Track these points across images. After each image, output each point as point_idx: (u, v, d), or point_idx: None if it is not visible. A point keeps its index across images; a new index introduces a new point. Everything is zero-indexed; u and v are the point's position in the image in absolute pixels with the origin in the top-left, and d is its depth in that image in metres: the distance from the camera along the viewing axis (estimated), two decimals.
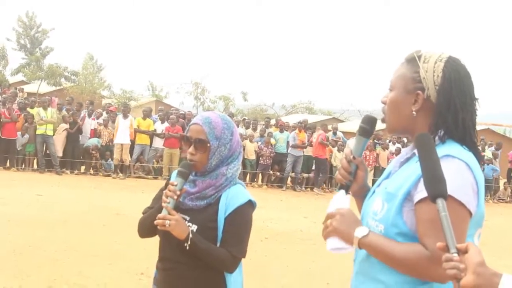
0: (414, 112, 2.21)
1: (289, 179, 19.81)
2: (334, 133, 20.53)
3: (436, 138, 2.17)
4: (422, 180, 2.02)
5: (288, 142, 19.35)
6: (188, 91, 47.54)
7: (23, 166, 17.92)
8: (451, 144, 2.16)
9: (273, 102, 51.69)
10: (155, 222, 2.76)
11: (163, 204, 2.77)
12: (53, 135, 17.47)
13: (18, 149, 17.52)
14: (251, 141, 19.07)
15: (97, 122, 18.75)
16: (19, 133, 17.35)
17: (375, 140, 20.69)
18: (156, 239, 3.01)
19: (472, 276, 1.68)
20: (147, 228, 2.98)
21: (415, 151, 2.20)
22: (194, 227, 2.82)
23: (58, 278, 6.77)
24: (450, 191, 1.97)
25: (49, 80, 43.36)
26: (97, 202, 12.71)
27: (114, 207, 12.02)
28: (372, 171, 19.71)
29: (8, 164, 17.48)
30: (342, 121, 43.11)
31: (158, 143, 18.71)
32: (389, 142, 21.21)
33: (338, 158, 19.24)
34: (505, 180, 22.97)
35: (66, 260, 7.62)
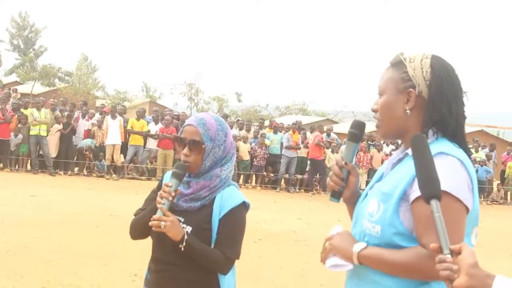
0: (408, 111, 2.23)
1: (283, 180, 19.83)
2: (328, 135, 20.55)
3: (430, 133, 2.19)
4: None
5: (282, 143, 19.37)
6: (182, 92, 47.53)
7: (17, 166, 17.91)
8: (443, 142, 2.18)
9: (267, 103, 51.67)
10: (150, 223, 2.75)
11: (158, 205, 2.76)
12: (47, 135, 17.45)
13: (12, 149, 17.50)
14: (245, 142, 19.07)
15: (91, 123, 18.73)
16: (12, 133, 17.32)
17: (369, 142, 20.73)
18: (149, 240, 3.01)
19: (465, 278, 1.69)
20: (139, 229, 2.97)
21: (408, 151, 2.22)
22: (189, 229, 2.81)
23: (51, 279, 6.76)
24: (446, 187, 2.00)
25: (43, 80, 43.26)
26: (91, 203, 12.70)
27: (108, 208, 12.01)
28: (366, 173, 19.74)
29: (1, 165, 17.45)
30: (336, 122, 43.07)
31: (152, 144, 18.70)
32: (383, 143, 21.23)
33: (332, 160, 19.28)
34: (499, 181, 23.04)
35: (60, 261, 7.61)
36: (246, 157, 19.02)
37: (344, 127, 25.75)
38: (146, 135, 18.66)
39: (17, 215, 10.33)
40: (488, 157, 22.28)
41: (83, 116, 18.88)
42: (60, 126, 17.76)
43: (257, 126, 21.53)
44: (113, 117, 18.25)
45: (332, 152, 19.53)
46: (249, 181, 19.62)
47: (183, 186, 2.87)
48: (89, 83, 46.21)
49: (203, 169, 2.88)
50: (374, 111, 2.34)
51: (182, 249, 2.75)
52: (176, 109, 31.28)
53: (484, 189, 21.14)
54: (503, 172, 22.82)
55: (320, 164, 19.40)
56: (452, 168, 2.10)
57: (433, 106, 2.19)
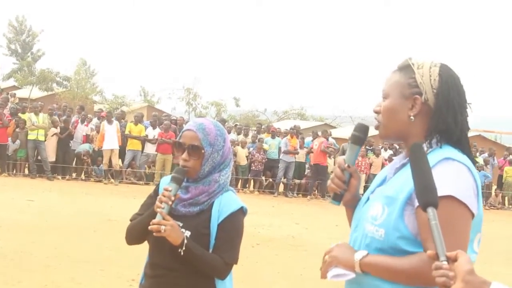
0: (412, 117, 2.22)
1: (281, 185, 19.83)
2: (326, 139, 20.54)
3: (433, 141, 2.20)
4: None
5: (280, 148, 19.37)
6: (180, 96, 47.54)
7: (14, 171, 17.88)
8: (448, 148, 2.19)
9: (265, 108, 51.74)
10: (150, 227, 2.74)
11: (158, 210, 2.75)
12: (45, 140, 17.44)
13: (9, 154, 17.48)
14: (243, 147, 19.06)
15: (90, 128, 18.71)
16: (10, 138, 17.30)
17: (366, 147, 20.72)
18: (147, 245, 3.00)
19: (461, 284, 1.69)
20: (137, 234, 2.96)
21: None
22: (188, 233, 2.81)
23: (49, 284, 6.75)
24: (453, 192, 2.01)
25: (41, 85, 43.28)
26: (88, 207, 12.68)
27: (106, 212, 12.00)
28: (365, 178, 19.71)
29: None
30: (334, 127, 43.12)
31: (150, 148, 18.69)
32: (381, 148, 21.22)
33: (330, 165, 19.30)
34: (496, 186, 23.05)
35: (58, 266, 7.60)
36: (244, 162, 19.02)
37: (342, 132, 25.79)
38: (144, 140, 18.65)
39: (14, 220, 10.31)
40: (486, 162, 22.29)
41: (82, 121, 18.87)
42: (57, 130, 17.75)
43: (255, 130, 21.53)
44: (110, 122, 18.24)
45: (329, 157, 19.56)
46: (247, 186, 19.61)
47: (182, 191, 2.87)
48: (87, 87, 46.19)
49: (202, 174, 2.88)
50: (376, 112, 2.33)
51: (182, 253, 2.74)
52: (174, 114, 31.23)
53: (482, 194, 21.04)
54: (500, 177, 22.82)
55: (323, 170, 19.43)
56: (459, 174, 2.10)
57: (439, 115, 2.19)
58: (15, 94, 26.09)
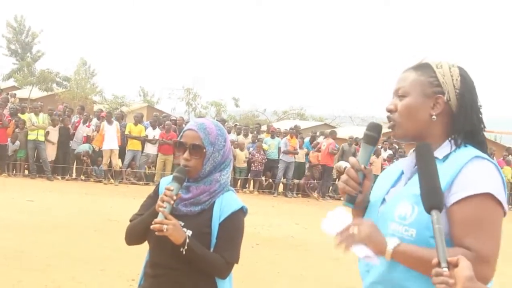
0: (434, 116, 2.20)
1: (281, 185, 19.84)
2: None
3: (459, 141, 2.19)
4: (456, 182, 2.05)
5: (279, 148, 19.39)
6: (180, 97, 47.55)
7: (14, 171, 17.88)
8: (471, 148, 2.18)
9: (265, 108, 51.75)
10: (152, 226, 2.74)
11: (160, 209, 2.75)
12: (45, 140, 17.45)
13: (9, 154, 17.48)
14: (241, 149, 19.04)
15: (92, 129, 18.69)
16: (9, 139, 17.30)
17: None
18: (147, 245, 3.01)
19: None
20: (137, 234, 2.97)
21: (436, 154, 2.16)
22: (189, 233, 2.81)
23: (49, 284, 6.76)
24: (490, 190, 2.02)
25: (41, 85, 43.27)
26: (89, 207, 12.69)
27: (106, 212, 12.01)
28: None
29: None
30: (334, 127, 43.11)
31: (150, 149, 18.70)
32: (381, 148, 21.21)
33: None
34: None
35: (58, 266, 7.61)
36: (242, 165, 19.00)
37: (342, 132, 25.72)
38: (144, 140, 18.66)
39: (15, 220, 10.32)
40: None
41: (84, 122, 18.85)
42: (55, 129, 17.73)
43: (254, 130, 21.53)
44: (109, 122, 18.24)
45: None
46: (247, 186, 19.62)
47: (183, 191, 2.87)
48: (87, 88, 46.19)
49: (203, 173, 2.89)
50: (390, 111, 2.28)
51: (184, 252, 2.75)
52: (173, 114, 31.22)
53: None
54: None
55: (329, 171, 19.48)
56: (491, 172, 2.10)
57: (464, 115, 2.19)
58: (15, 94, 26.12)
